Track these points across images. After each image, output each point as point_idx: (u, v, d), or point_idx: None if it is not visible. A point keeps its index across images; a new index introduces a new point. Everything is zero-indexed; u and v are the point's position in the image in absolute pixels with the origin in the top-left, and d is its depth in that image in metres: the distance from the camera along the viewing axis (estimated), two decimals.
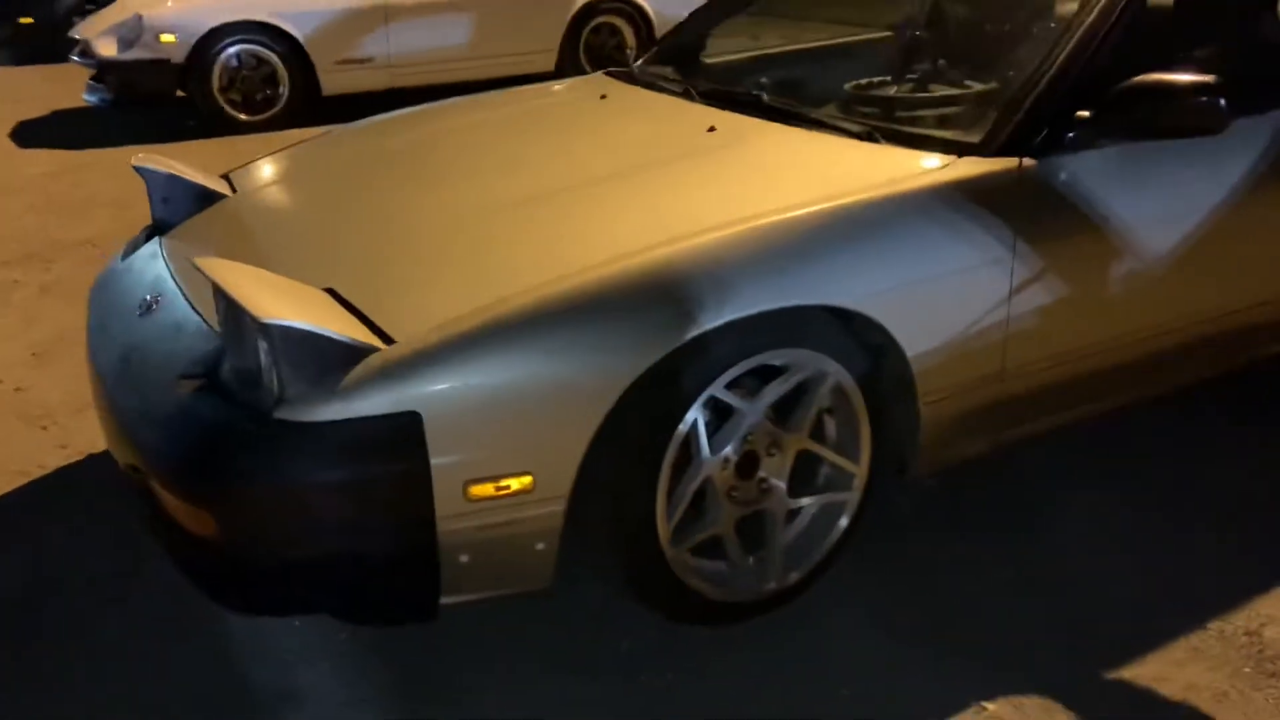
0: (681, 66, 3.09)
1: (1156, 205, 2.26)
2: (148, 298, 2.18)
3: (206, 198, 2.54)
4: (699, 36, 3.26)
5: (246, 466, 1.69)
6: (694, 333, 1.79)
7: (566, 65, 7.27)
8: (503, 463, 1.74)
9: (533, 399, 1.74)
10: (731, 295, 1.83)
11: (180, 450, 1.77)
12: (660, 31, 7.47)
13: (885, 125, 2.30)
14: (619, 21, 7.37)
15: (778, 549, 2.04)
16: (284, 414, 1.68)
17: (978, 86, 2.49)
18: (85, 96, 6.65)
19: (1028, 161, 2.11)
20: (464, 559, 1.77)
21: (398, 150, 2.68)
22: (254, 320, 1.67)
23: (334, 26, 6.54)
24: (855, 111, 2.51)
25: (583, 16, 7.22)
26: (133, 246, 2.58)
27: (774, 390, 1.95)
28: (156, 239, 2.47)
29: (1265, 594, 2.10)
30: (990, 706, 1.83)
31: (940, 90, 2.56)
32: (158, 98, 6.47)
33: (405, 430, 1.68)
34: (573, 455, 1.77)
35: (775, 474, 2.00)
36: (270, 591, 1.80)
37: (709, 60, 3.24)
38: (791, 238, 1.92)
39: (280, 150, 2.88)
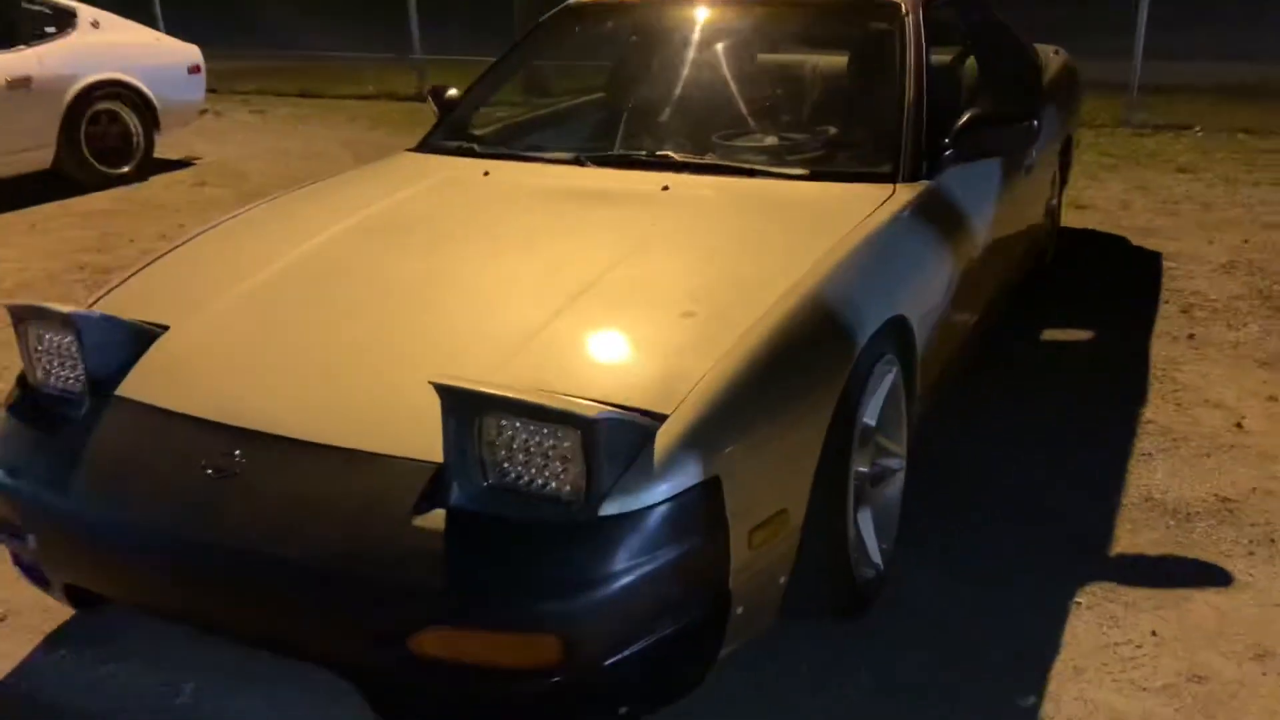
0: (470, 137, 3.17)
1: (979, 203, 2.94)
2: (214, 455, 1.82)
3: (140, 338, 2.11)
4: (473, 110, 3.33)
5: (592, 574, 1.59)
6: (857, 351, 2.04)
7: (65, 160, 6.42)
8: (770, 503, 1.84)
9: (781, 437, 1.86)
10: (864, 316, 2.10)
11: (499, 581, 1.59)
12: (165, 117, 6.93)
13: (817, 167, 2.68)
14: (120, 108, 6.66)
15: (872, 533, 2.32)
16: (611, 509, 1.61)
17: (831, 130, 2.98)
18: None
19: (929, 183, 2.65)
20: (739, 610, 1.82)
21: (346, 246, 2.42)
22: (580, 419, 1.58)
23: None
24: (767, 157, 2.81)
25: (78, 106, 6.41)
26: (34, 409, 2.07)
27: (869, 394, 2.24)
28: (96, 395, 2.03)
29: (1127, 474, 2.86)
30: (1082, 601, 2.33)
31: (779, 137, 2.98)
32: None
33: (712, 496, 1.71)
34: (807, 483, 1.92)
35: (863, 467, 2.29)
36: (596, 705, 1.68)
37: (486, 130, 3.31)
38: (868, 260, 2.24)
39: (132, 273, 2.43)
